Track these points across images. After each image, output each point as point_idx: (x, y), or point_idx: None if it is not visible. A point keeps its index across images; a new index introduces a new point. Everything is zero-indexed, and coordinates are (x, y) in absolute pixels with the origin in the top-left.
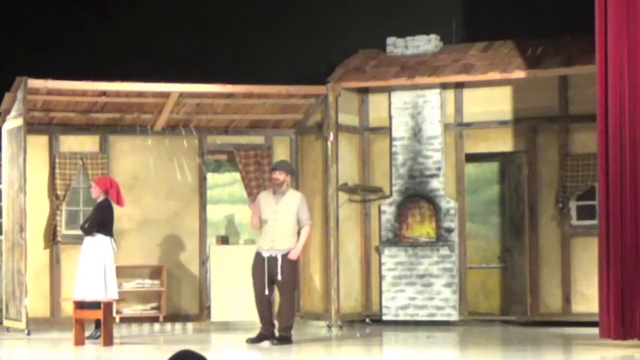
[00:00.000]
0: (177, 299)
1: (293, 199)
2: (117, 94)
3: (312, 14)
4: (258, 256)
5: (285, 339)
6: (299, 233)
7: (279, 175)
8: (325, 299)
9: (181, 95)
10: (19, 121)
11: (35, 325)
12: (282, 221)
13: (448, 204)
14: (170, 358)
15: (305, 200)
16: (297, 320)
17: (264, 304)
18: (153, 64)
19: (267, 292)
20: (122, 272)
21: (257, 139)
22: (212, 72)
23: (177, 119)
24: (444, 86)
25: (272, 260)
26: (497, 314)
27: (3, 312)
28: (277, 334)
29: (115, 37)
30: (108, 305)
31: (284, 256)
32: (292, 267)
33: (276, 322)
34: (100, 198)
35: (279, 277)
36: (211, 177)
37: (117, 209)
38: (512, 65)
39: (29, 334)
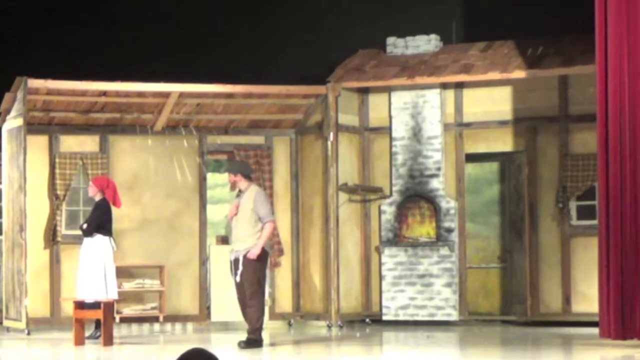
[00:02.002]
0: (177, 299)
1: (249, 196)
2: (117, 94)
3: (312, 14)
4: (230, 260)
5: (253, 342)
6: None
7: (229, 178)
8: (325, 299)
9: (181, 95)
10: (19, 121)
11: (35, 325)
12: (241, 220)
13: (448, 204)
14: (181, 356)
15: (261, 195)
16: (297, 320)
17: (243, 307)
18: (153, 64)
19: (240, 295)
20: (122, 272)
21: (257, 139)
22: (212, 72)
23: (177, 119)
24: (444, 86)
25: (235, 262)
26: (497, 314)
27: (3, 312)
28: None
29: (115, 37)
30: (108, 305)
31: (245, 257)
32: (253, 267)
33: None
34: (97, 197)
35: (238, 278)
36: (211, 177)
37: (117, 209)
38: (512, 65)
39: (29, 334)
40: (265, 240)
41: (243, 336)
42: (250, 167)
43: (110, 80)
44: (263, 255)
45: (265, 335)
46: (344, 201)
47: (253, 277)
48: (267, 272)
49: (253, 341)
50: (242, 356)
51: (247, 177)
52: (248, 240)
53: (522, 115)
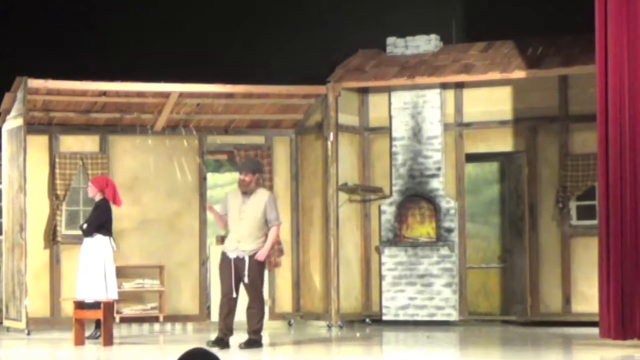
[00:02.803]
0: (177, 299)
1: (260, 199)
2: (117, 94)
3: (312, 14)
4: (224, 256)
5: (254, 343)
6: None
7: (245, 177)
8: (325, 299)
9: (181, 95)
10: (19, 121)
11: (35, 325)
12: (248, 221)
13: (448, 204)
14: (182, 355)
15: (273, 199)
16: (297, 320)
17: (228, 307)
18: (153, 64)
19: (234, 294)
20: (122, 272)
21: (257, 139)
22: (212, 72)
23: (177, 119)
24: (444, 86)
25: (239, 261)
26: (497, 314)
27: (3, 312)
28: (247, 336)
29: (115, 37)
30: (108, 305)
31: (251, 257)
32: (260, 268)
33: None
34: (97, 197)
35: (246, 279)
36: (211, 177)
37: (117, 209)
38: (512, 65)
39: (29, 334)
40: (273, 243)
41: (243, 336)
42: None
43: (110, 80)
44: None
45: (265, 335)
46: (344, 201)
47: (258, 279)
48: (266, 272)
49: (253, 342)
50: (242, 356)
51: (259, 179)
52: (255, 242)
53: (522, 115)
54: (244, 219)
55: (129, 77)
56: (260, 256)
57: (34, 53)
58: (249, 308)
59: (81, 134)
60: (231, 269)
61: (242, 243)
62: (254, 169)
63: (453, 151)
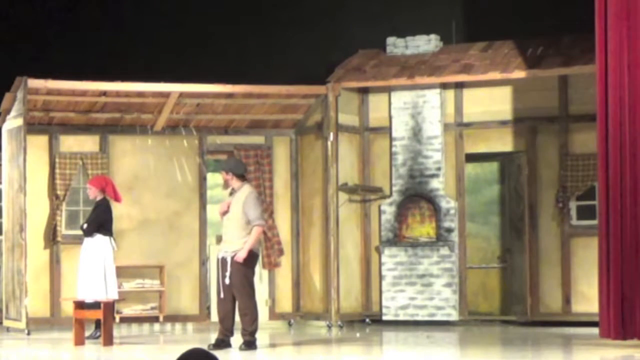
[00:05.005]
0: (177, 299)
1: (241, 196)
2: (117, 94)
3: (312, 13)
4: (217, 258)
5: (251, 344)
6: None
7: (222, 176)
8: (325, 299)
9: (181, 95)
10: (19, 121)
11: (35, 325)
12: (231, 220)
13: (448, 204)
14: (181, 356)
15: (252, 197)
16: (297, 320)
17: (220, 308)
18: (153, 64)
19: (222, 295)
20: (122, 272)
21: (257, 139)
22: (212, 72)
23: (177, 119)
24: (444, 86)
25: (223, 262)
26: (497, 314)
27: (3, 312)
28: (242, 338)
29: (115, 37)
30: (108, 305)
31: (232, 258)
32: (243, 268)
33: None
34: (98, 198)
35: (227, 280)
36: (211, 177)
37: (117, 209)
38: (512, 65)
39: (29, 334)
40: (252, 244)
41: (240, 337)
42: (244, 166)
43: (110, 80)
44: (252, 258)
45: (265, 335)
46: (344, 201)
47: (244, 280)
48: (267, 272)
49: (250, 343)
50: (242, 357)
51: (240, 177)
52: (237, 242)
53: (522, 115)
54: (229, 218)
55: (129, 77)
56: (238, 258)
57: (34, 53)
58: (238, 309)
59: (81, 134)
60: (218, 269)
61: (226, 243)
62: (228, 168)
63: (453, 151)
